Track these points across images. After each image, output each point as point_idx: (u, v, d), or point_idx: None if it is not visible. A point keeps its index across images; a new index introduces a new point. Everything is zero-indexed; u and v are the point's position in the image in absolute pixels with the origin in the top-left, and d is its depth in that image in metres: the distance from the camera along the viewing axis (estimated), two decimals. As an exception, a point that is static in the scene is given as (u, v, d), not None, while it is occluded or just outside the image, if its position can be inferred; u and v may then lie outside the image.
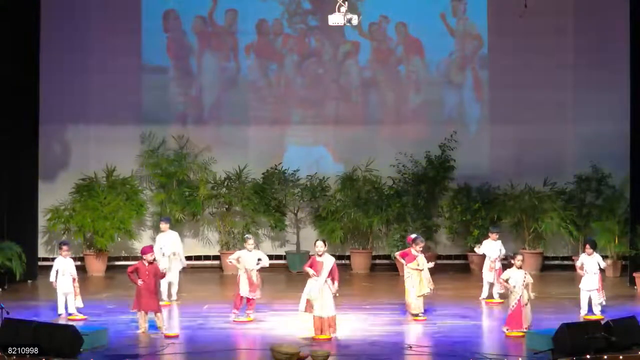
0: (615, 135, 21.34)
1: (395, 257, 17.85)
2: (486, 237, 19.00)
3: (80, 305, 16.45)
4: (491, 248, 18.41)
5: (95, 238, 21.77)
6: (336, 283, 14.96)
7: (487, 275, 18.23)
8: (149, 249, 15.44)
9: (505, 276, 15.31)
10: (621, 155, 20.52)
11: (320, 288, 14.82)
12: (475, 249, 19.27)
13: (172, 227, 19.02)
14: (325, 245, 15.19)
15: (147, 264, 15.16)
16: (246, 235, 16.97)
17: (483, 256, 18.77)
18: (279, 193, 22.69)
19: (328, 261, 14.94)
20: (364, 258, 22.55)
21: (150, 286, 15.10)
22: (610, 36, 22.00)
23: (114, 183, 22.31)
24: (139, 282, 15.06)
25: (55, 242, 21.93)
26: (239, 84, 23.39)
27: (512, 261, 15.40)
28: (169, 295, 17.93)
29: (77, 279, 16.61)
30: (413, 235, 16.88)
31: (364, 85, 23.47)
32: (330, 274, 14.91)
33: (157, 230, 21.66)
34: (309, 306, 14.89)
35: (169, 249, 18.03)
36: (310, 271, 14.90)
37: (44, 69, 21.31)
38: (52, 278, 16.50)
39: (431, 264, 16.69)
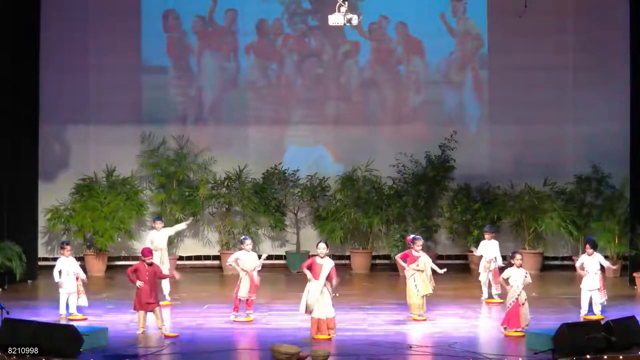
0: (615, 135, 21.34)
1: (396, 260, 17.81)
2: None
3: (85, 304, 16.44)
4: (486, 248, 18.39)
5: (95, 238, 21.78)
6: (334, 284, 14.94)
7: (482, 275, 18.24)
8: (149, 251, 15.43)
9: (505, 275, 15.31)
10: (621, 155, 20.53)
11: (319, 290, 14.82)
12: (473, 250, 19.23)
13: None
14: (327, 247, 15.19)
15: (147, 266, 15.16)
16: (243, 237, 16.96)
17: (481, 257, 18.77)
18: (279, 193, 22.70)
19: (327, 264, 14.92)
20: (364, 258, 22.56)
21: (150, 287, 15.08)
22: (610, 36, 22.00)
23: (114, 183, 22.31)
24: (138, 283, 15.04)
25: (55, 242, 21.99)
26: (239, 84, 23.40)
27: (512, 260, 15.41)
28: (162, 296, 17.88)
29: (80, 277, 16.59)
30: (411, 236, 16.86)
31: (364, 85, 23.47)
32: (328, 276, 14.90)
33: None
34: (309, 309, 14.88)
35: (161, 245, 18.10)
36: (308, 274, 14.90)
37: (44, 69, 21.32)
38: (56, 278, 16.46)
39: (442, 271, 16.66)
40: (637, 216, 19.65)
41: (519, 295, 15.02)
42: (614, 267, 16.63)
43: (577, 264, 16.82)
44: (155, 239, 18.16)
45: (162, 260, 17.94)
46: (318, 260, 14.96)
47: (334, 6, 17.00)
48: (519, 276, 15.13)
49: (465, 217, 22.23)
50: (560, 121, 22.83)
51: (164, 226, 18.70)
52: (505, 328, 15.03)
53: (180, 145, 22.86)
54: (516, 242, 22.05)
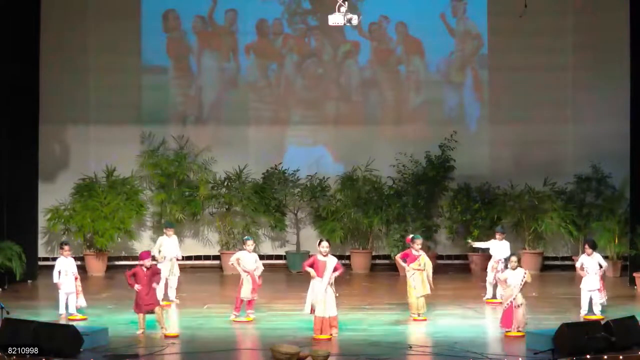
0: (615, 135, 21.33)
1: (395, 259, 17.81)
2: (489, 237, 18.96)
3: (84, 304, 16.46)
4: (496, 248, 18.35)
5: (95, 238, 21.77)
6: (337, 273, 14.95)
7: (489, 275, 18.23)
8: (147, 255, 15.41)
9: (502, 277, 15.39)
10: (621, 155, 20.51)
11: (324, 288, 14.82)
12: (473, 244, 19.27)
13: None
14: (329, 245, 15.20)
15: (145, 269, 15.16)
16: (245, 237, 16.96)
17: (485, 256, 18.76)
18: (279, 193, 22.69)
19: (331, 261, 14.94)
20: (364, 258, 22.56)
21: (148, 289, 15.09)
22: (610, 36, 21.99)
23: (114, 183, 22.31)
24: (136, 287, 15.05)
25: (55, 242, 21.98)
26: (239, 84, 23.40)
27: (508, 263, 15.50)
28: (166, 297, 17.88)
29: (79, 278, 16.62)
30: (411, 236, 16.87)
31: (364, 85, 23.47)
32: (335, 270, 14.91)
33: (156, 230, 21.72)
34: (314, 308, 14.89)
35: (171, 253, 18.08)
36: (312, 272, 14.89)
37: (44, 69, 21.33)
38: (55, 279, 16.48)
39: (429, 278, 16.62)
40: (637, 216, 19.65)
41: (515, 297, 15.03)
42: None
43: (577, 265, 16.84)
44: (164, 245, 18.08)
45: (172, 271, 17.96)
46: (320, 258, 14.96)
47: (334, 6, 16.99)
48: (516, 277, 15.15)
49: (465, 217, 22.24)
50: (560, 121, 22.84)
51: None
52: (501, 327, 15.10)
53: (180, 145, 22.86)
54: (516, 242, 22.00)
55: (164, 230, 18.49)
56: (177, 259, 18.27)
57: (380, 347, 14.07)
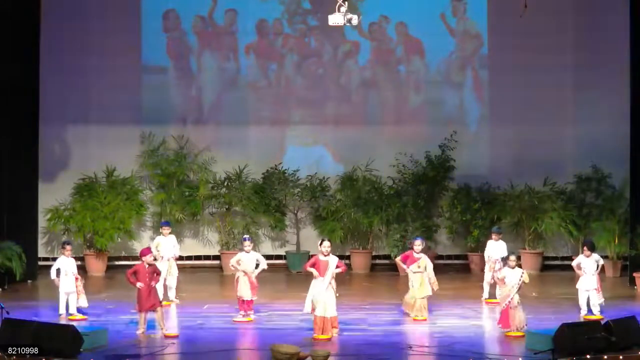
0: (615, 135, 21.34)
1: (396, 261, 17.80)
2: (489, 237, 18.97)
3: (85, 304, 16.43)
4: (493, 249, 18.37)
5: (95, 238, 21.77)
6: (339, 269, 14.97)
7: (486, 275, 18.24)
8: (148, 251, 15.43)
9: (501, 275, 15.40)
10: (621, 155, 20.53)
11: (325, 288, 14.82)
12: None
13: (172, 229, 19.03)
14: (330, 244, 15.20)
15: (147, 266, 15.15)
16: (243, 237, 16.96)
17: (483, 256, 18.76)
18: (279, 193, 22.69)
19: (332, 261, 14.95)
20: (364, 258, 22.56)
21: (150, 288, 15.09)
22: (610, 36, 22.00)
23: (114, 183, 22.31)
24: (139, 285, 15.04)
25: (56, 242, 21.99)
26: (239, 84, 23.39)
27: (507, 262, 15.51)
28: (166, 297, 17.87)
29: (79, 278, 16.60)
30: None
31: (364, 85, 23.47)
32: (337, 267, 14.94)
33: (156, 230, 21.69)
34: (313, 307, 14.90)
35: (169, 253, 18.06)
36: (314, 272, 14.90)
37: (44, 69, 21.32)
38: (53, 275, 16.50)
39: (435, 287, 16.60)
40: (637, 216, 19.66)
41: (512, 297, 15.03)
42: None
43: (574, 263, 16.82)
44: (162, 244, 18.08)
45: (170, 272, 17.96)
46: (322, 257, 14.99)
47: (334, 6, 16.98)
48: (514, 276, 15.17)
49: (465, 217, 22.23)
50: (560, 121, 22.83)
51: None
52: (500, 327, 15.09)
53: (180, 145, 22.86)
54: (516, 242, 22.03)
55: (161, 229, 18.49)
56: (175, 258, 18.27)
57: (380, 347, 14.08)
